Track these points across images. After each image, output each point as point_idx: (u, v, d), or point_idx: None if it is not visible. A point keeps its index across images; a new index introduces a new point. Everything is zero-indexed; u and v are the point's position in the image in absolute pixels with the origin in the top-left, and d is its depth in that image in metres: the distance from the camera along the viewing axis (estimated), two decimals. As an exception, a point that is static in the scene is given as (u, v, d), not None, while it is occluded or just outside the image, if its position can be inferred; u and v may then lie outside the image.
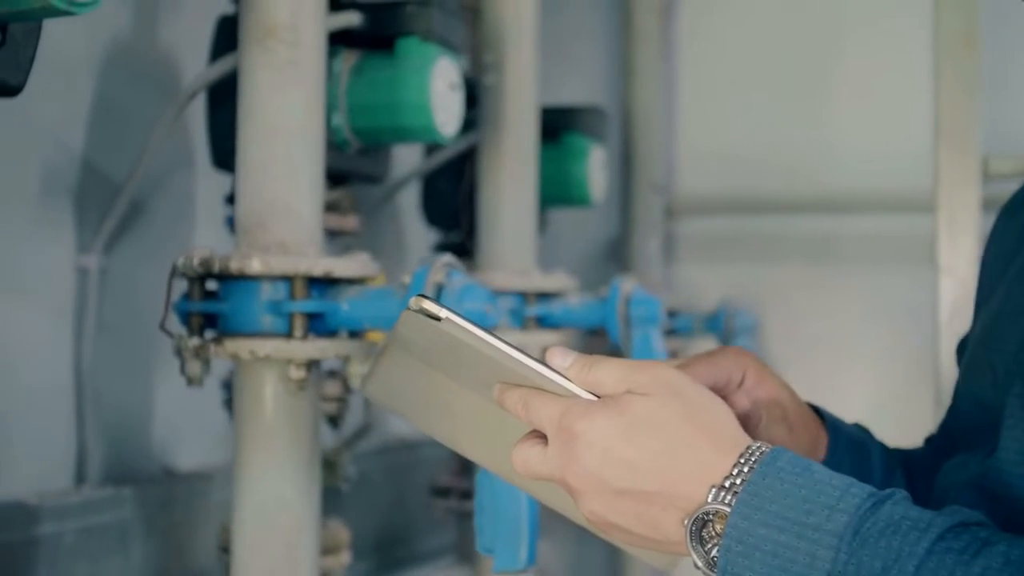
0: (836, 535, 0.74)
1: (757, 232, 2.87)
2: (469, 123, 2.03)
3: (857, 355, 2.75)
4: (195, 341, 1.33)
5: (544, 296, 1.99)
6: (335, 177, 1.75)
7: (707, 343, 2.78)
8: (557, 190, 2.31)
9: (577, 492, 0.82)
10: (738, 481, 0.77)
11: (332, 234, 1.77)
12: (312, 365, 1.34)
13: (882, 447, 1.07)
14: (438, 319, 0.83)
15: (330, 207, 1.72)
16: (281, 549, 1.34)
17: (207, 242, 1.59)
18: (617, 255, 2.84)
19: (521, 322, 1.96)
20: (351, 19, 1.64)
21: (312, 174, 1.38)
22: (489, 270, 1.98)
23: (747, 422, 0.96)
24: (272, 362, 1.33)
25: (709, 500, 0.77)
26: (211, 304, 1.35)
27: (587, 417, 0.80)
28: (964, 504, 0.91)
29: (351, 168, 1.74)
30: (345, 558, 1.74)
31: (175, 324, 1.37)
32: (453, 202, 2.23)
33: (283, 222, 1.35)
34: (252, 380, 1.36)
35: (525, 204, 2.00)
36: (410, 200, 2.43)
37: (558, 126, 2.31)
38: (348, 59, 1.68)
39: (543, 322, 1.98)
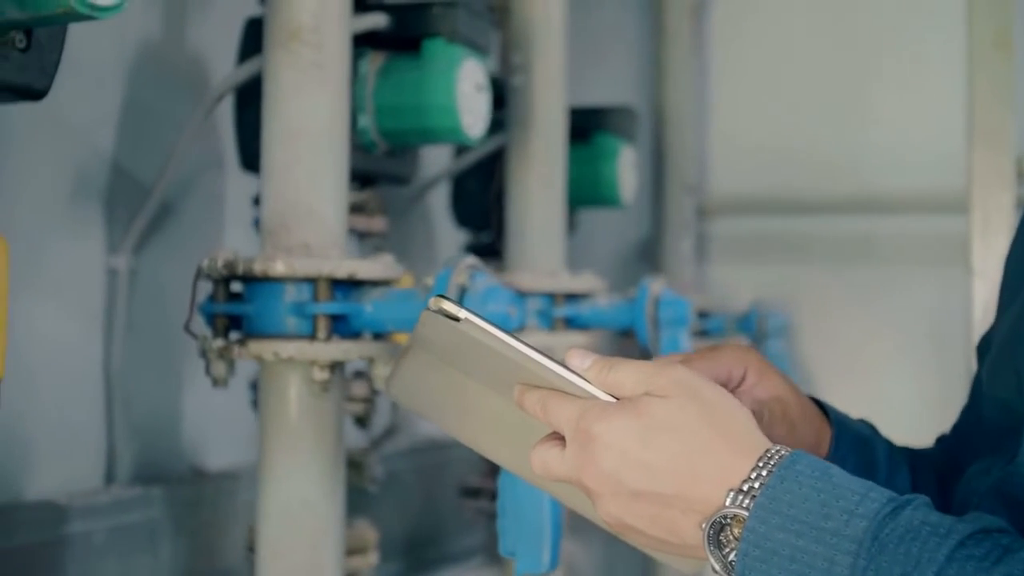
0: (855, 540, 0.74)
1: (790, 232, 2.85)
2: (498, 124, 2.03)
3: (890, 356, 2.73)
4: (219, 342, 1.33)
5: (572, 297, 1.99)
6: (362, 178, 1.75)
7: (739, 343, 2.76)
8: (587, 191, 2.31)
9: (594, 494, 0.81)
10: (756, 485, 0.77)
11: (360, 235, 1.77)
12: (336, 367, 1.34)
13: (888, 444, 1.06)
14: (457, 319, 0.83)
15: (357, 208, 1.73)
16: (305, 550, 1.34)
17: (236, 243, 1.59)
18: (649, 255, 2.83)
19: (549, 323, 1.96)
20: (377, 21, 1.65)
21: (336, 176, 1.39)
22: (517, 271, 1.98)
23: None
24: (296, 364, 1.34)
25: (727, 504, 0.77)
26: (235, 306, 1.35)
27: (604, 419, 0.80)
28: (986, 510, 0.89)
29: (378, 169, 1.74)
30: (373, 558, 1.75)
31: (201, 326, 1.38)
32: (483, 203, 2.23)
33: (307, 224, 1.35)
34: (276, 381, 1.36)
35: (553, 205, 1.99)
36: (441, 201, 2.43)
37: (588, 126, 2.31)
38: (375, 61, 1.68)
39: (571, 323, 1.98)
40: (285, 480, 1.35)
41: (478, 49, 1.70)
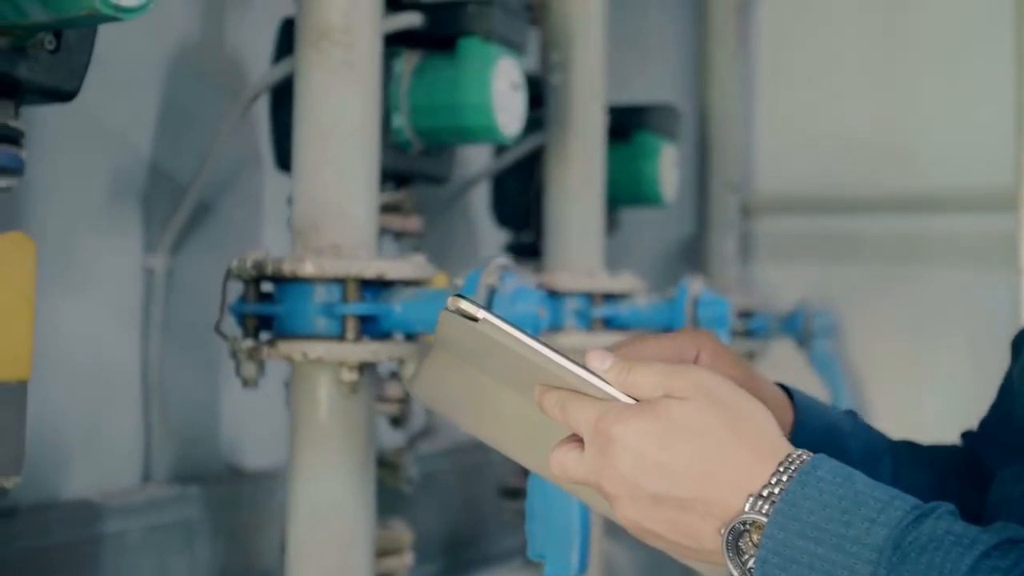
0: (876, 549, 0.72)
1: (837, 231, 2.82)
2: (539, 122, 2.02)
3: (937, 357, 2.69)
4: (248, 343, 1.33)
5: (611, 297, 1.97)
6: (398, 178, 1.75)
7: (784, 345, 2.73)
8: (628, 189, 2.29)
9: (613, 497, 0.80)
10: (776, 490, 0.75)
11: (396, 235, 1.77)
12: (365, 368, 1.34)
13: (867, 434, 1.03)
14: (475, 320, 0.82)
15: (392, 208, 1.72)
16: (335, 551, 1.34)
17: (273, 243, 1.59)
18: (693, 255, 2.80)
19: (588, 324, 1.94)
20: (411, 20, 1.64)
21: (367, 176, 1.38)
22: (555, 271, 1.96)
23: None
24: (325, 364, 1.33)
25: (746, 509, 0.75)
26: (265, 306, 1.35)
27: (623, 421, 0.79)
28: (1017, 517, 0.87)
29: (414, 169, 1.74)
30: (407, 559, 1.74)
31: (232, 326, 1.38)
32: (523, 202, 2.22)
33: (337, 224, 1.34)
34: (306, 382, 1.36)
35: (592, 205, 1.98)
36: (483, 200, 2.42)
37: (629, 125, 2.29)
38: (410, 60, 1.68)
39: (610, 324, 1.96)
40: (314, 481, 1.35)
41: (514, 47, 1.69)
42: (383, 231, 1.73)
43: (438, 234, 2.38)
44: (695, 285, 1.90)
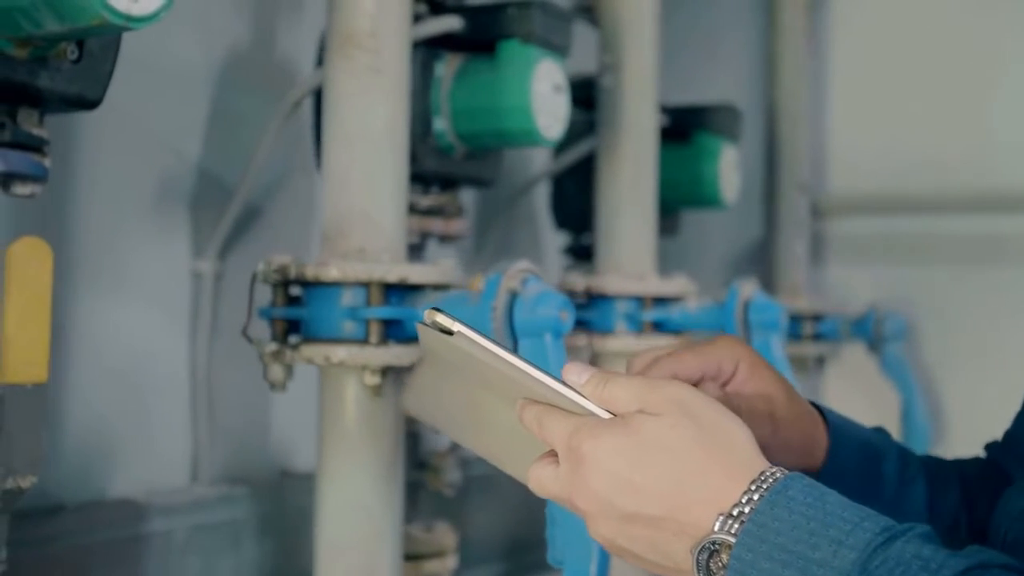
0: (842, 572, 0.69)
1: (911, 232, 2.75)
2: (595, 125, 2.01)
3: (1016, 362, 2.60)
4: (272, 346, 1.34)
5: (662, 301, 1.95)
6: (442, 181, 1.75)
7: (855, 348, 2.68)
8: (687, 191, 2.26)
9: (587, 515, 0.79)
10: (746, 510, 0.73)
11: (441, 238, 1.77)
12: (388, 371, 1.34)
13: (901, 454, 1.00)
14: (451, 333, 0.82)
15: (436, 211, 1.73)
16: (361, 554, 1.35)
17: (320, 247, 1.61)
18: (762, 257, 2.76)
19: (638, 327, 1.93)
20: (451, 23, 1.64)
21: (394, 181, 1.38)
22: (606, 274, 1.95)
23: None
24: (351, 368, 1.34)
25: (716, 529, 0.73)
26: (292, 310, 1.36)
27: (593, 438, 0.77)
28: (1017, 534, 0.84)
29: (458, 172, 1.74)
30: (451, 563, 1.74)
31: (263, 330, 1.40)
32: (581, 204, 2.21)
33: (363, 229, 1.35)
34: (333, 385, 1.37)
35: (643, 207, 1.96)
36: (546, 202, 2.41)
37: (688, 125, 2.26)
38: (451, 63, 1.68)
39: (661, 327, 1.94)
40: (341, 483, 1.36)
41: (556, 49, 1.68)
42: (427, 234, 1.73)
43: (503, 236, 2.38)
44: (746, 288, 1.87)
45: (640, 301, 1.92)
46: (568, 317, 1.28)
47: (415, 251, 1.71)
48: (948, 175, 2.67)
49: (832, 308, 2.63)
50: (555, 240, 2.45)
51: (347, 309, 1.33)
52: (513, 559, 2.29)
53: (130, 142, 1.66)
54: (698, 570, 0.74)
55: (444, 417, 0.93)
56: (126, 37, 1.61)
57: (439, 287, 1.38)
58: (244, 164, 1.74)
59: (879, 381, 2.61)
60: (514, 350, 0.84)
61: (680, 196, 2.27)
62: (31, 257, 1.09)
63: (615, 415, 0.79)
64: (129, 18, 1.05)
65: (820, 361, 2.73)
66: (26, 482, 1.09)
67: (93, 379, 1.61)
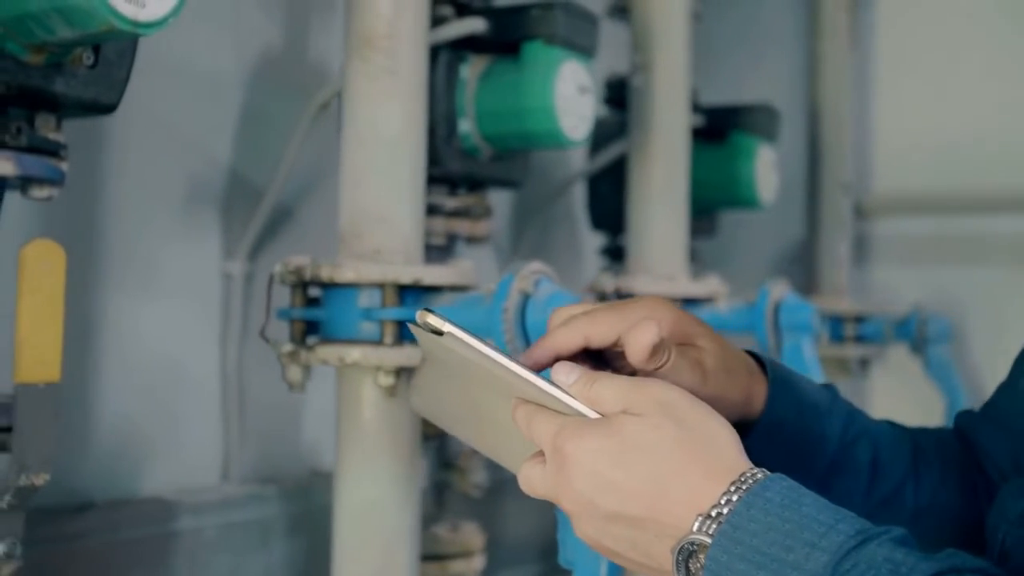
0: (814, 575, 0.69)
1: (959, 232, 2.71)
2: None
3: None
4: (287, 347, 1.36)
5: (693, 302, 1.94)
6: (469, 183, 1.76)
7: (901, 350, 2.65)
8: (723, 192, 2.25)
9: (572, 515, 0.79)
10: (724, 511, 0.72)
11: (468, 239, 1.78)
12: (403, 372, 1.35)
13: (849, 413, 0.97)
14: (441, 334, 0.82)
15: (462, 213, 1.73)
16: (377, 553, 1.35)
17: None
18: (805, 258, 2.73)
19: (668, 328, 1.91)
20: (474, 25, 1.65)
21: (409, 183, 1.39)
22: (637, 275, 1.95)
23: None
24: (365, 368, 1.35)
25: (694, 529, 0.73)
26: (310, 311, 1.38)
27: (577, 438, 0.77)
28: (1015, 540, 0.83)
29: (485, 174, 1.74)
30: (478, 563, 1.75)
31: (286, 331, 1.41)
32: (616, 205, 2.20)
33: (378, 230, 1.36)
34: (349, 386, 1.38)
35: (674, 208, 1.95)
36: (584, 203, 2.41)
37: (724, 125, 2.25)
38: (476, 65, 1.69)
39: (691, 328, 1.93)
40: (357, 483, 1.37)
41: (581, 50, 1.68)
42: (454, 236, 1.74)
43: (537, 238, 2.39)
44: (777, 289, 1.86)
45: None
46: (580, 318, 1.27)
47: (442, 252, 1.72)
48: (996, 173, 2.63)
49: (875, 309, 2.60)
50: (594, 241, 2.45)
51: (363, 310, 1.34)
52: (545, 560, 2.29)
53: (162, 144, 1.68)
54: (677, 570, 0.74)
55: (448, 416, 0.94)
56: (157, 42, 1.65)
57: (456, 288, 1.38)
58: (275, 166, 1.76)
59: (926, 383, 2.58)
60: (506, 350, 0.84)
61: (716, 196, 2.26)
62: (44, 259, 1.11)
63: (603, 415, 0.79)
64: (136, 24, 1.07)
65: (864, 363, 2.70)
66: (39, 479, 1.11)
67: (124, 379, 1.64)
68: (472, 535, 1.76)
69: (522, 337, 1.28)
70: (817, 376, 1.82)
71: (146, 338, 1.67)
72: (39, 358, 1.11)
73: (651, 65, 1.95)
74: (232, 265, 1.76)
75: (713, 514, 0.73)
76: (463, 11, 1.69)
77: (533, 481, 0.81)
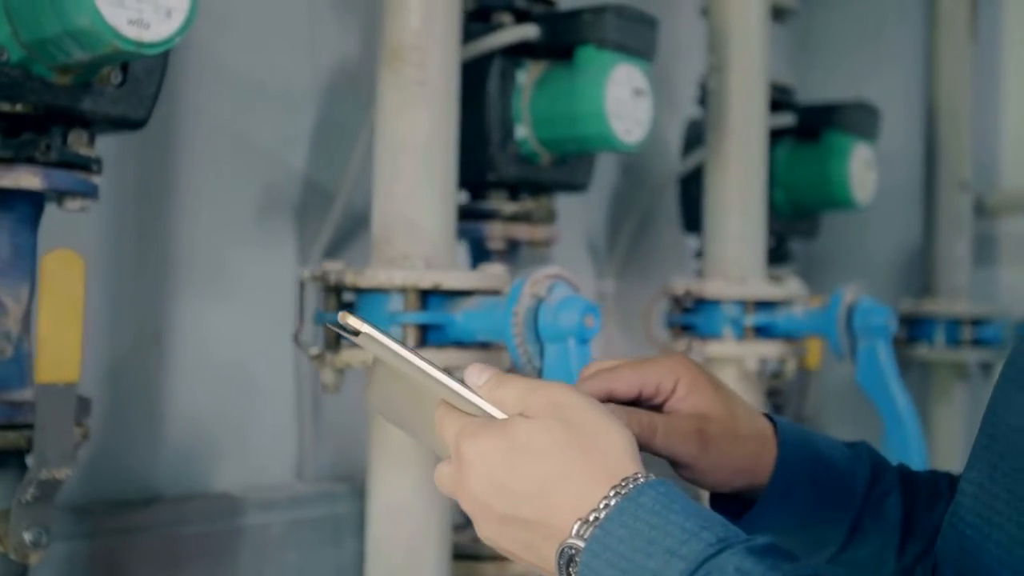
0: None
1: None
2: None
3: None
4: (314, 349, 1.40)
5: (770, 305, 1.91)
6: (531, 188, 1.77)
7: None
8: (817, 192, 2.21)
9: (471, 515, 0.80)
10: (601, 516, 0.73)
11: (529, 244, 1.79)
12: (424, 375, 1.37)
13: (875, 468, 0.94)
14: (356, 334, 0.84)
15: (522, 218, 1.75)
16: (402, 553, 1.38)
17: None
18: (923, 259, 2.65)
19: (742, 331, 1.89)
20: (527, 32, 1.66)
21: (438, 190, 1.41)
22: (711, 277, 1.93)
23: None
24: (393, 371, 1.38)
25: (572, 533, 0.74)
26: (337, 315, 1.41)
27: (472, 439, 0.78)
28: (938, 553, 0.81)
29: (544, 179, 1.76)
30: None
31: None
32: (707, 208, 2.19)
33: (407, 236, 1.39)
34: (378, 388, 1.41)
35: (750, 210, 1.93)
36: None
37: (818, 124, 2.21)
38: (532, 71, 1.70)
39: (765, 332, 1.90)
40: (385, 485, 1.40)
41: (636, 53, 1.68)
42: (514, 241, 1.76)
43: (634, 241, 2.38)
44: (851, 292, 1.82)
45: (743, 305, 1.89)
46: (593, 323, 1.28)
47: (502, 257, 1.74)
48: None
49: (995, 312, 2.50)
50: (695, 243, 2.43)
51: (390, 315, 1.38)
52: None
53: (239, 156, 1.76)
54: (560, 574, 0.74)
55: (398, 414, 0.95)
56: (238, 61, 1.73)
57: (486, 292, 1.40)
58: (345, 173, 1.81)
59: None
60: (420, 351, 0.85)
61: (811, 197, 2.22)
62: (62, 267, 1.18)
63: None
64: (140, 44, 1.12)
65: (986, 367, 2.60)
66: (60, 474, 1.17)
67: (200, 381, 1.71)
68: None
69: (534, 341, 1.29)
70: (893, 379, 1.77)
71: (223, 341, 1.74)
72: (58, 359, 1.18)
73: (726, 66, 1.93)
74: (307, 270, 1.81)
75: (591, 519, 0.73)
76: (522, 18, 1.71)
77: (443, 480, 0.82)
